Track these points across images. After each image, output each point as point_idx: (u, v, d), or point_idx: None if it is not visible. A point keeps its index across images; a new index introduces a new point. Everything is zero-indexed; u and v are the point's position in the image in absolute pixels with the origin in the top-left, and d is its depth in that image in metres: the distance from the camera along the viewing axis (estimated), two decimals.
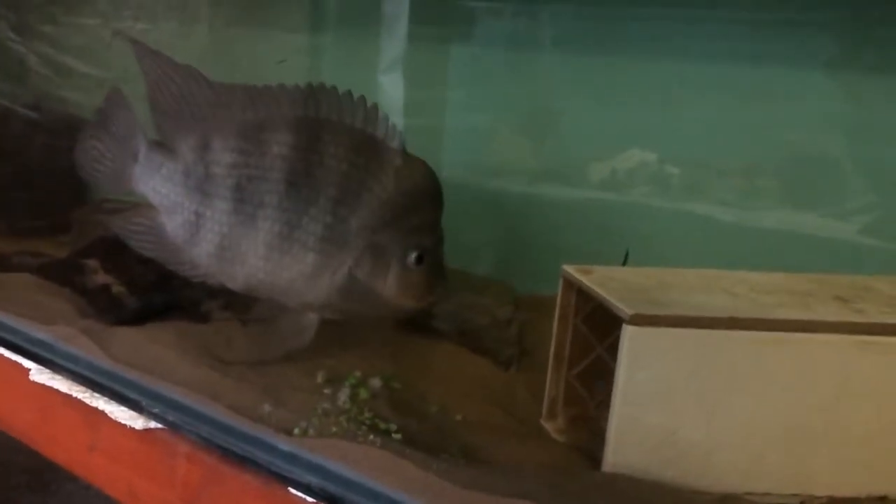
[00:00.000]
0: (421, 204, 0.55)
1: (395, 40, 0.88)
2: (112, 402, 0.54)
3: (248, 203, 0.55)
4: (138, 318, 0.60)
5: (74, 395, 0.55)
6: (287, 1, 0.98)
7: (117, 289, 0.62)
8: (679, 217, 0.72)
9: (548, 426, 0.53)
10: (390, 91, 0.88)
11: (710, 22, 0.69)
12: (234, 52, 0.97)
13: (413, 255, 0.54)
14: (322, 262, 0.54)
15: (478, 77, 0.84)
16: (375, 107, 0.55)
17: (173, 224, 0.57)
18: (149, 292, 0.62)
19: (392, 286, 0.54)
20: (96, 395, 0.55)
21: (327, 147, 0.54)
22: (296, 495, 0.46)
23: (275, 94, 0.56)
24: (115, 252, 0.63)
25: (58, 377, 0.57)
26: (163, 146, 0.58)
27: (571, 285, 0.51)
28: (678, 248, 0.71)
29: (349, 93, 0.55)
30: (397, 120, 0.57)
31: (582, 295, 0.51)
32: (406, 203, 0.54)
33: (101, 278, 0.63)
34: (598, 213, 0.77)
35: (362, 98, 0.55)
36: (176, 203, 0.57)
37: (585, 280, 0.49)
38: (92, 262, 0.64)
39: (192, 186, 0.56)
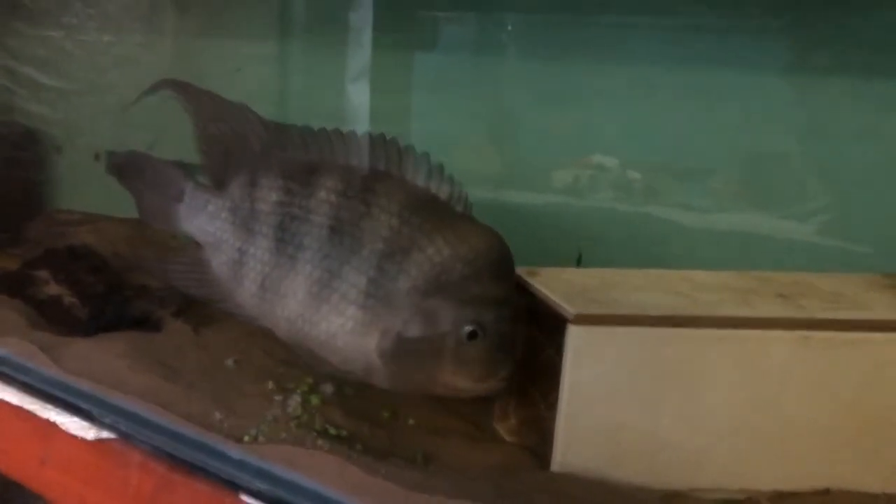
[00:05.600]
0: (482, 274, 0.50)
1: (360, 49, 0.88)
2: (64, 413, 0.54)
3: (290, 244, 0.53)
4: (90, 328, 0.60)
5: (25, 407, 0.55)
6: (253, 11, 0.98)
7: (69, 300, 0.62)
8: (640, 220, 0.73)
9: (500, 428, 0.53)
10: (355, 98, 0.89)
11: (667, 28, 0.70)
12: (200, 62, 0.97)
13: (467, 329, 0.48)
14: (365, 320, 0.51)
15: (441, 85, 0.85)
16: (441, 167, 0.52)
17: (218, 261, 0.57)
18: (100, 303, 0.62)
19: (444, 361, 0.49)
20: (48, 406, 0.55)
21: (377, 198, 0.52)
22: (247, 502, 0.46)
23: (330, 138, 0.54)
24: (66, 263, 0.63)
25: (9, 389, 0.56)
26: (208, 185, 0.58)
27: (519, 287, 0.52)
28: (640, 251, 0.72)
29: (411, 147, 0.53)
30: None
31: (530, 296, 0.51)
32: (464, 270, 0.49)
33: (53, 289, 0.63)
34: (562, 218, 0.77)
35: (426, 155, 0.52)
36: (221, 240, 0.56)
37: (531, 281, 0.50)
38: (43, 274, 0.64)
39: (238, 224, 0.56)
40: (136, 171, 0.61)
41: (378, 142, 0.53)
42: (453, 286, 0.49)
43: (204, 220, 0.57)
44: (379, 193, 0.52)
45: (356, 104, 0.88)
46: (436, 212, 0.51)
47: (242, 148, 0.56)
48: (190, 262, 0.58)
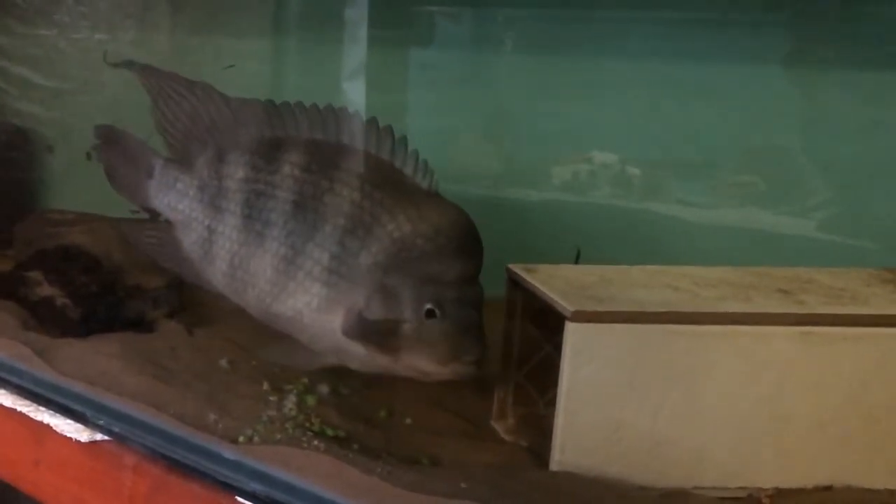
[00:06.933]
0: (445, 251, 0.49)
1: (355, 45, 0.88)
2: (57, 415, 0.53)
3: (257, 221, 0.53)
4: (83, 329, 0.60)
5: (19, 409, 0.54)
6: (247, 8, 0.97)
7: (61, 301, 0.62)
8: (640, 216, 0.73)
9: (498, 427, 0.53)
10: (351, 94, 0.88)
11: (667, 22, 0.70)
12: (195, 60, 0.96)
13: (426, 307, 0.47)
14: (329, 297, 0.51)
15: (438, 80, 0.84)
16: (404, 140, 0.51)
17: (188, 240, 0.57)
18: (93, 304, 0.62)
19: (405, 340, 0.48)
20: (41, 408, 0.54)
21: (338, 172, 0.51)
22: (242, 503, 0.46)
23: (294, 112, 0.54)
24: (58, 264, 0.62)
25: (1, 391, 0.56)
26: (177, 162, 0.58)
27: (517, 284, 0.51)
28: (639, 247, 0.72)
29: (374, 120, 0.52)
30: None
31: (528, 293, 0.51)
32: (426, 247, 0.48)
33: (45, 291, 0.62)
34: (562, 215, 0.77)
35: (389, 128, 0.51)
36: (191, 218, 0.57)
37: (529, 278, 0.49)
38: (35, 275, 0.64)
39: (206, 201, 0.56)
40: (112, 144, 0.62)
41: (342, 116, 0.52)
42: (415, 263, 0.48)
43: (174, 197, 0.58)
44: (341, 168, 0.51)
45: (352, 100, 0.88)
46: (399, 187, 0.50)
47: (208, 126, 0.57)
48: (161, 237, 0.58)
